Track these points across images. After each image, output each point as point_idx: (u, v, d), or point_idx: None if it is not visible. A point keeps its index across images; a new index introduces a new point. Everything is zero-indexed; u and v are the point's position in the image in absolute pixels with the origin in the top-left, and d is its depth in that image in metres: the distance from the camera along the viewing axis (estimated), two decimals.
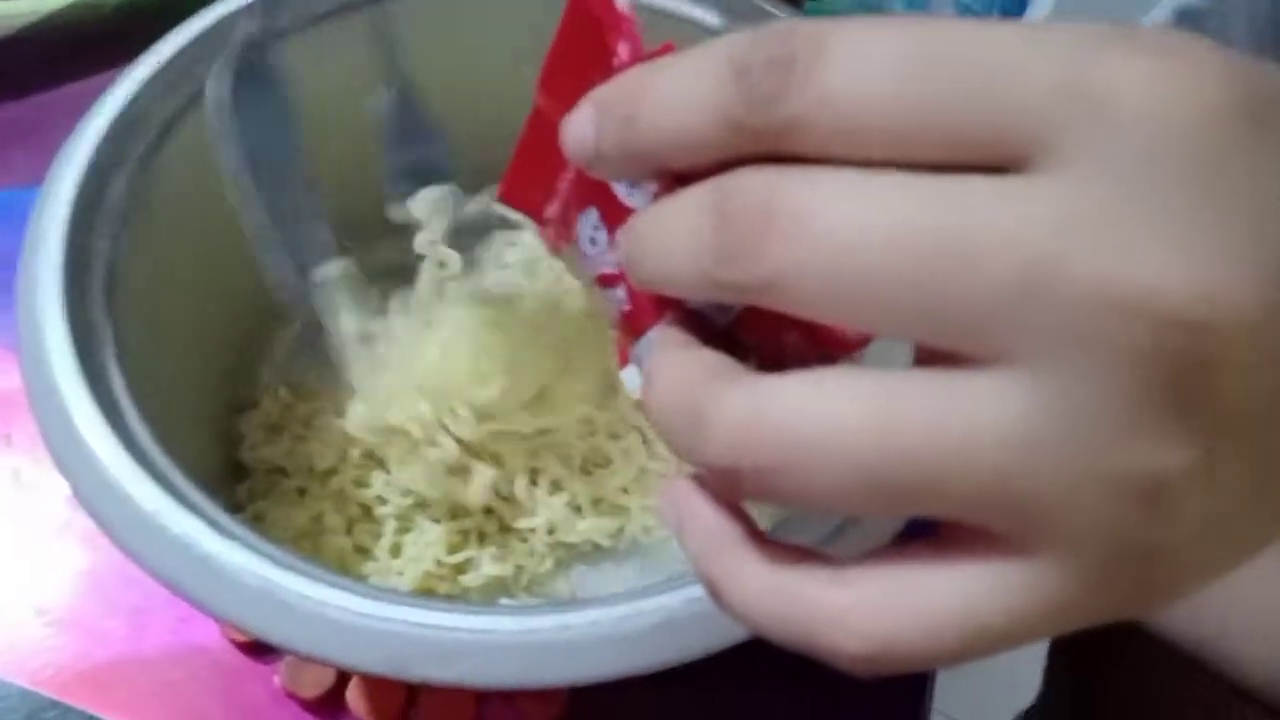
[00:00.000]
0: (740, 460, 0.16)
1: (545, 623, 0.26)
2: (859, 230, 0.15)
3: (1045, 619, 0.15)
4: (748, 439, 0.15)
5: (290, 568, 0.27)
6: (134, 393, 0.31)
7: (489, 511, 0.42)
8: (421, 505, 0.41)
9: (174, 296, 0.38)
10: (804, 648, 0.16)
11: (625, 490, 0.42)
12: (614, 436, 0.44)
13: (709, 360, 0.17)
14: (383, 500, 0.41)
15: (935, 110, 0.15)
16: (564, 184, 0.21)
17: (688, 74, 0.17)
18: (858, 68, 0.15)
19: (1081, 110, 0.14)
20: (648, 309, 0.20)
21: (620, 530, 0.42)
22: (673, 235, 0.17)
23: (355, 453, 0.42)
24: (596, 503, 0.42)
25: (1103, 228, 0.14)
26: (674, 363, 0.18)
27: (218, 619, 0.27)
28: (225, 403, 0.42)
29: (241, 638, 0.38)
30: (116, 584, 0.40)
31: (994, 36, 0.15)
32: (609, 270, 0.21)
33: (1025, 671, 0.51)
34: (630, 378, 0.21)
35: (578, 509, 0.42)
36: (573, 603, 0.27)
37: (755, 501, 0.17)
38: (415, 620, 0.26)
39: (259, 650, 0.38)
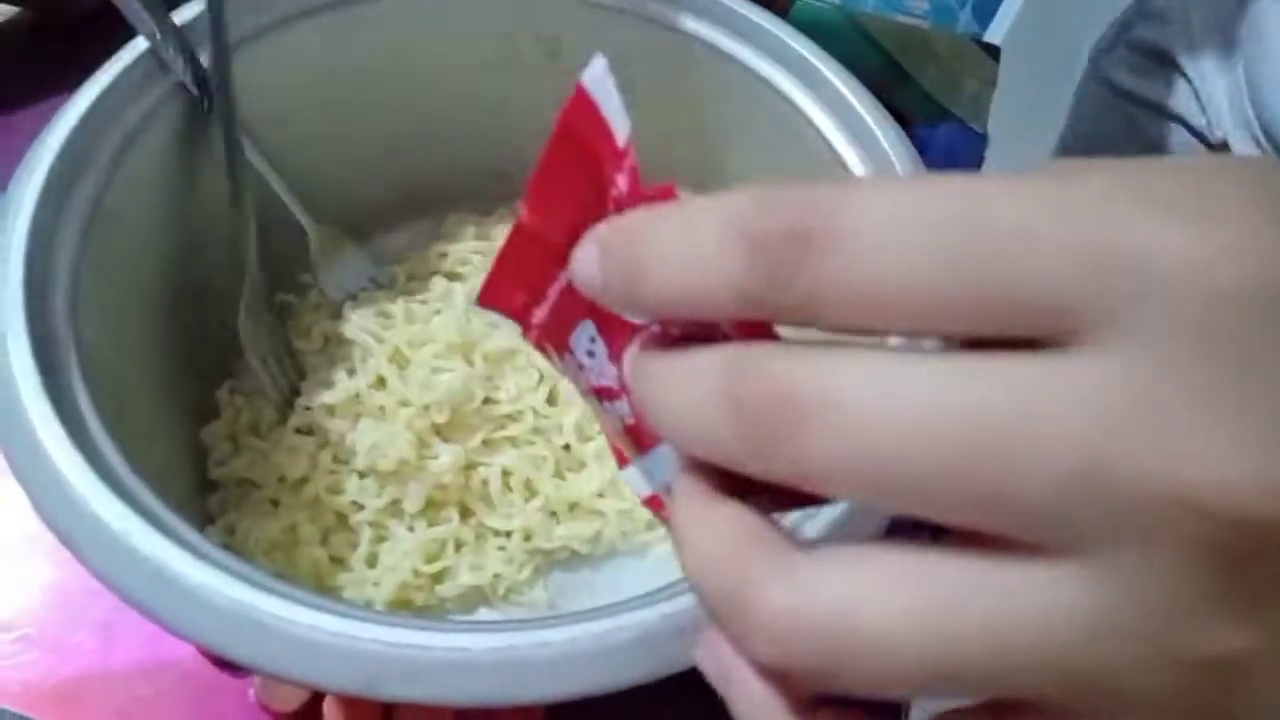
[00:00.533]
0: (790, 662, 0.15)
1: (522, 640, 0.25)
2: (895, 421, 0.14)
3: None
4: (794, 641, 0.15)
5: (261, 587, 0.26)
6: (99, 407, 0.30)
7: (466, 515, 0.41)
8: (396, 507, 0.40)
9: (138, 306, 0.37)
10: None
11: (600, 494, 0.42)
12: (585, 439, 0.43)
13: (739, 526, 0.16)
14: (358, 506, 0.40)
15: (963, 283, 0.14)
16: (554, 291, 0.21)
17: (695, 236, 0.16)
18: (878, 240, 0.14)
19: (1118, 284, 0.13)
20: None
21: (597, 535, 0.42)
22: (686, 405, 0.16)
23: (326, 458, 0.41)
24: (572, 507, 0.42)
25: (1155, 420, 0.13)
26: (703, 526, 0.17)
27: (188, 640, 0.26)
28: (193, 415, 0.42)
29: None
30: (85, 598, 0.39)
31: (1020, 201, 0.14)
32: (609, 384, 0.21)
33: None
34: (633, 480, 0.21)
35: (553, 514, 0.42)
36: (550, 619, 0.26)
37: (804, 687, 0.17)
38: (389, 640, 0.25)
39: (232, 664, 0.38)
